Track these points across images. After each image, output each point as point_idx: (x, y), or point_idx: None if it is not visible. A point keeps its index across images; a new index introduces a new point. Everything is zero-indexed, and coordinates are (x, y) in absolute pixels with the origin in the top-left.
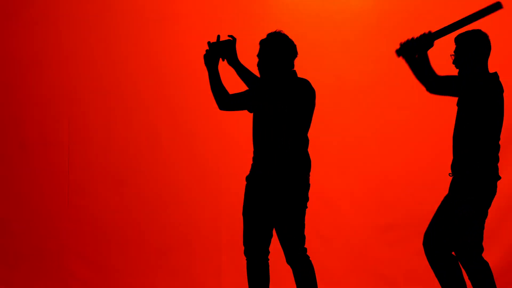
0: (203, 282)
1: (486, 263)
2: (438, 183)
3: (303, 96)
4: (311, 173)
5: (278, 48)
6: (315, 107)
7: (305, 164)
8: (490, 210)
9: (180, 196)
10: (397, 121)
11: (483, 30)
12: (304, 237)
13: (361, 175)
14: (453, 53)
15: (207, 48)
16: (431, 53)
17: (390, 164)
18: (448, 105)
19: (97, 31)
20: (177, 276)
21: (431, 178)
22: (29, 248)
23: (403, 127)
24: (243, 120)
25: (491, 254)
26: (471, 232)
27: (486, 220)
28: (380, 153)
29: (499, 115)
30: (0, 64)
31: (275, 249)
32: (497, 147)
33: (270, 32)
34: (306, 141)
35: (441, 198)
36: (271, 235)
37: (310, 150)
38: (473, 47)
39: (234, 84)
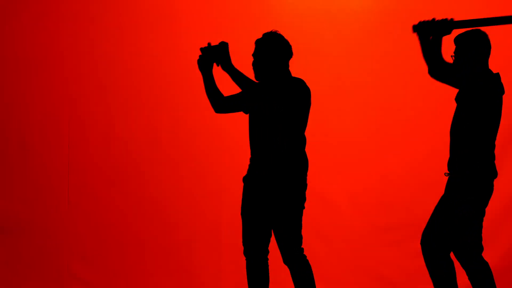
0: (203, 282)
1: (486, 263)
2: (438, 183)
3: (298, 96)
4: (311, 173)
5: (273, 48)
6: (313, 106)
7: (302, 164)
8: (490, 210)
9: (180, 196)
10: (397, 121)
11: (483, 30)
12: (301, 237)
13: (361, 175)
14: (453, 54)
15: (200, 53)
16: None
17: (390, 164)
18: (448, 105)
19: (97, 31)
20: (177, 276)
21: (431, 178)
22: (29, 248)
23: (403, 127)
24: (244, 120)
25: (491, 254)
26: (471, 232)
27: (484, 220)
28: (380, 153)
29: (497, 115)
30: (0, 63)
31: (275, 249)
32: (494, 146)
33: (266, 32)
34: (303, 141)
35: None
36: (270, 235)
37: (310, 150)
38: (472, 47)
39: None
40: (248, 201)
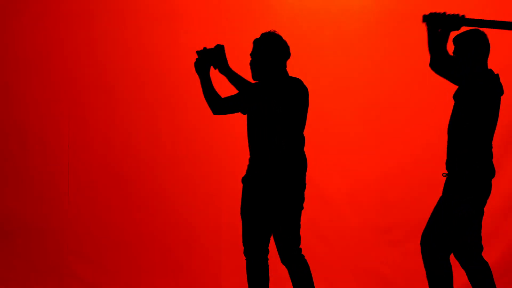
0: (203, 282)
1: (486, 263)
2: (438, 183)
3: (295, 95)
4: (310, 173)
5: (271, 48)
6: (312, 106)
7: (301, 163)
8: (489, 209)
9: (180, 196)
10: (397, 121)
11: (482, 30)
12: (299, 237)
13: (360, 175)
14: (453, 55)
15: (197, 56)
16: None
17: (390, 165)
18: (448, 105)
19: (97, 31)
20: (177, 276)
21: (431, 178)
22: (29, 248)
23: (403, 127)
24: (244, 120)
25: (491, 254)
26: (470, 232)
27: (484, 219)
28: (379, 153)
29: (495, 115)
30: (0, 63)
31: (275, 249)
32: (491, 145)
33: (264, 32)
34: (301, 141)
35: None
36: (270, 235)
37: (310, 150)
38: (472, 47)
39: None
40: (248, 202)
